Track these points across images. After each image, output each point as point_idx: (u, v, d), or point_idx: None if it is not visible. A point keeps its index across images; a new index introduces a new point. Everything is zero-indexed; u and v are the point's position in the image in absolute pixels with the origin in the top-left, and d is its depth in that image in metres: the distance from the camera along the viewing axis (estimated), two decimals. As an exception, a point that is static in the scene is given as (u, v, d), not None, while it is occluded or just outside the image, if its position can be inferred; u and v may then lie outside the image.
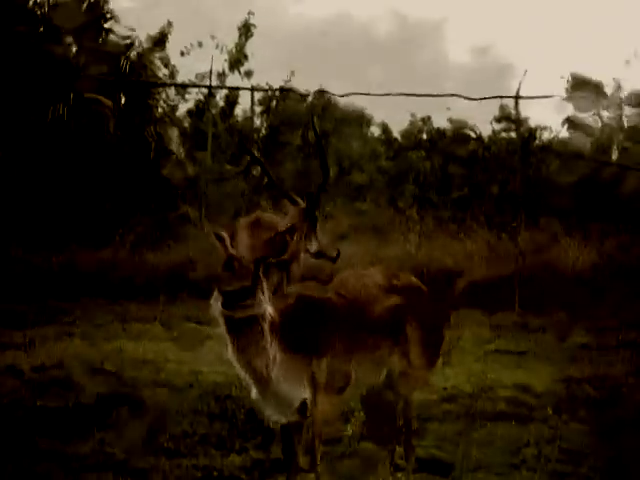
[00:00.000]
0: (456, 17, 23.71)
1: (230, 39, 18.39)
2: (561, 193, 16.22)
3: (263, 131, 18.67)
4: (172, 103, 17.87)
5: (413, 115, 19.89)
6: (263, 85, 17.94)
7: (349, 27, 21.45)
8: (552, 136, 19.28)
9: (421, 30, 20.93)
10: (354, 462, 5.99)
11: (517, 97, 13.82)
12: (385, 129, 20.70)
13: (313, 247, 7.44)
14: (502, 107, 18.66)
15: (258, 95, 18.36)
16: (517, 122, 15.34)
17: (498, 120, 18.74)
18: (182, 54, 17.69)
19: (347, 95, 15.74)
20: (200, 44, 17.50)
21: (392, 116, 19.72)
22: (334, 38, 20.26)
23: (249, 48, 18.34)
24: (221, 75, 17.63)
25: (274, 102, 18.59)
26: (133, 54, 16.97)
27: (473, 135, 19.34)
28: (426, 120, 20.02)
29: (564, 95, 18.19)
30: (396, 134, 20.60)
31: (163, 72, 17.55)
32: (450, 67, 20.02)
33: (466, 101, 13.30)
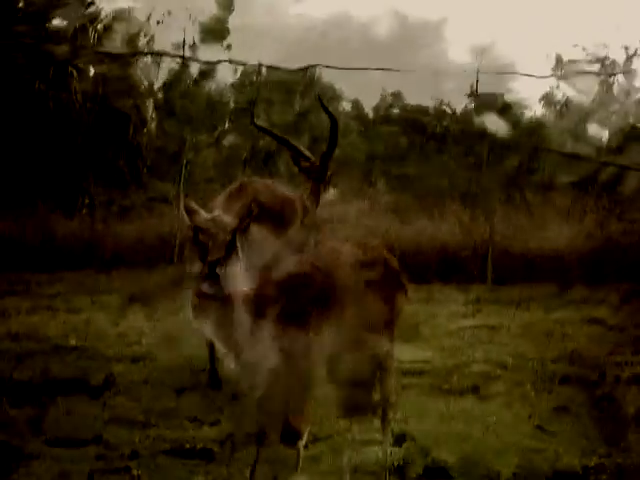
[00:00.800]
0: (456, 17, 24.00)
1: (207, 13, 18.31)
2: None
3: (232, 104, 18.60)
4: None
5: (384, 89, 19.95)
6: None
7: (349, 27, 21.68)
8: (531, 115, 19.37)
9: (421, 30, 21.16)
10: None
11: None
12: (357, 105, 20.74)
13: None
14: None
15: (239, 72, 18.36)
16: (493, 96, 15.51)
17: (470, 95, 18.82)
18: (158, 23, 17.55)
19: (317, 66, 15.82)
20: (170, 12, 17.39)
21: (365, 93, 19.91)
22: (334, 38, 20.51)
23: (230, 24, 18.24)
24: (192, 46, 17.55)
25: (253, 77, 18.54)
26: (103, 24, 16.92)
27: (449, 111, 19.41)
28: (396, 95, 20.09)
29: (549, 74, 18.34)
30: (368, 110, 20.65)
31: (141, 41, 17.46)
32: (450, 67, 20.29)
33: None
